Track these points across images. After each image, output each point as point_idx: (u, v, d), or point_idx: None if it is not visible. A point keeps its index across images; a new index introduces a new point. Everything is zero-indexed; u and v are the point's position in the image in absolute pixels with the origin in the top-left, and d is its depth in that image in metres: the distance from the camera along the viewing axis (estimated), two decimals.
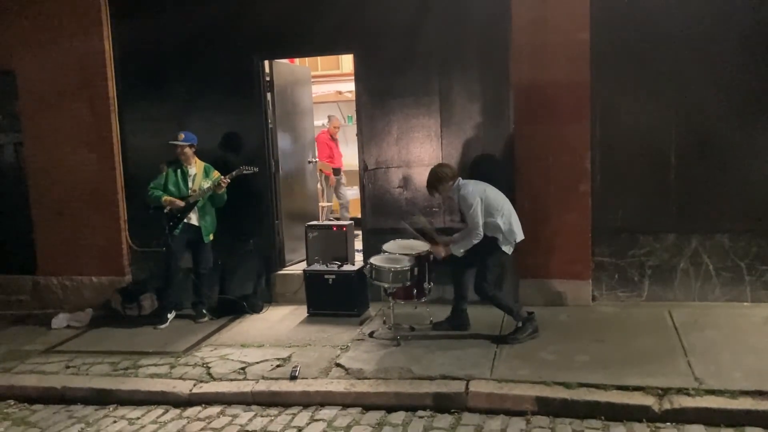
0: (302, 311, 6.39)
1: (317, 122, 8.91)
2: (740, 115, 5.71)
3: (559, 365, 4.72)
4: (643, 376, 4.41)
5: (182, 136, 6.26)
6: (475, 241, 5.20)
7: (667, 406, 4.08)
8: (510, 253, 5.38)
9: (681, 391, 4.19)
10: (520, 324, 5.30)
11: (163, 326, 6.29)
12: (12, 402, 5.12)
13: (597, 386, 4.33)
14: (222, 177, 6.22)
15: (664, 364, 4.62)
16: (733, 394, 4.10)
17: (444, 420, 4.30)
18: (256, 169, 6.30)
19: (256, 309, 6.56)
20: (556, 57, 5.91)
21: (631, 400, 4.17)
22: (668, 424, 4.00)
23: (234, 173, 6.20)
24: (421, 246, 5.56)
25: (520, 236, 5.38)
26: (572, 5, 5.84)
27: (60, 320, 6.59)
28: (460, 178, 5.38)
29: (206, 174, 6.37)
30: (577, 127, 5.93)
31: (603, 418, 4.12)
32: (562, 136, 5.96)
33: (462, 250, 5.25)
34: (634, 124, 5.94)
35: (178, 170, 6.32)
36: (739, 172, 5.75)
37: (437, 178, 5.34)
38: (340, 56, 9.22)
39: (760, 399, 4.04)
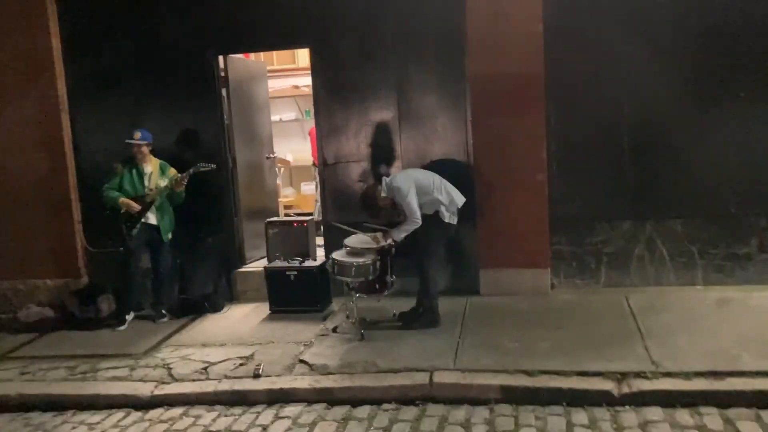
0: (264, 309, 6.34)
1: (275, 117, 8.83)
2: (692, 104, 5.86)
3: (521, 353, 4.78)
4: (602, 361, 4.51)
5: (138, 134, 6.13)
6: (415, 227, 5.26)
7: (626, 389, 4.17)
8: (455, 223, 5.44)
9: (639, 374, 4.29)
10: (421, 310, 5.46)
11: (122, 328, 6.17)
12: None
13: (558, 373, 4.41)
14: (179, 175, 6.12)
15: (622, 348, 4.72)
16: (689, 375, 4.22)
17: (409, 412, 4.32)
18: (214, 166, 6.22)
19: (217, 308, 6.49)
20: (511, 49, 5.96)
21: (592, 385, 4.25)
22: (627, 407, 4.09)
23: (191, 170, 6.10)
24: (381, 239, 5.56)
25: (460, 200, 5.49)
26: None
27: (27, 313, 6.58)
28: (384, 179, 5.43)
29: (162, 172, 6.26)
30: (532, 118, 6.00)
31: (565, 404, 4.20)
32: (518, 127, 6.02)
33: (402, 235, 5.30)
34: (589, 113, 6.04)
35: (134, 169, 6.19)
36: (690, 159, 5.89)
37: (370, 197, 5.44)
38: (296, 50, 9.13)
39: (714, 379, 4.16)
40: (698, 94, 5.84)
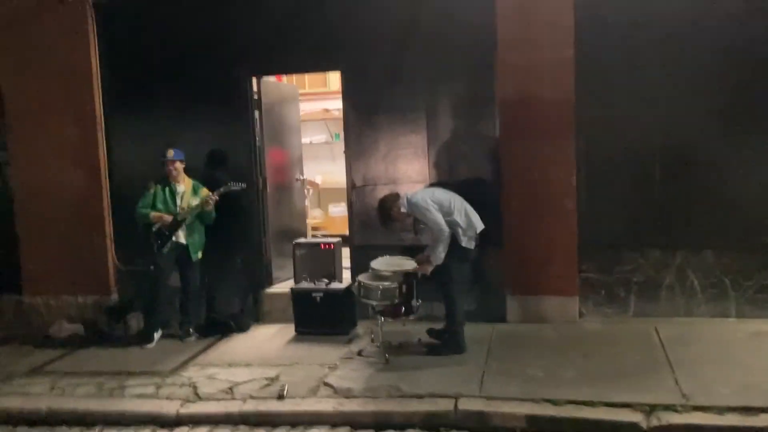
0: (290, 329, 6.36)
1: (305, 139, 8.93)
2: (726, 132, 5.78)
3: (547, 382, 4.73)
4: (630, 392, 4.43)
5: (171, 152, 6.25)
6: (445, 241, 5.23)
7: (655, 422, 4.09)
8: (473, 248, 5.39)
9: (668, 407, 4.21)
10: (447, 336, 5.42)
11: (149, 346, 6.24)
12: None
13: (585, 403, 4.34)
14: (210, 194, 6.21)
15: (651, 380, 4.64)
16: (721, 410, 4.13)
17: None
18: (244, 185, 6.30)
19: (243, 328, 6.53)
20: (542, 74, 5.96)
21: (619, 416, 4.18)
22: None
23: (222, 190, 6.19)
24: (409, 264, 5.56)
25: (480, 226, 5.45)
26: (557, 24, 5.89)
27: (59, 328, 6.66)
28: (405, 195, 5.44)
29: (195, 191, 6.35)
30: (562, 143, 5.98)
31: None
32: (548, 152, 6.00)
33: (442, 255, 5.27)
34: (620, 140, 5.99)
35: (167, 188, 6.30)
36: (723, 188, 5.80)
37: (386, 206, 5.47)
38: (327, 74, 9.26)
39: (747, 415, 4.07)
40: (733, 123, 5.76)
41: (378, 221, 5.59)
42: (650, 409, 4.20)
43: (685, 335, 5.49)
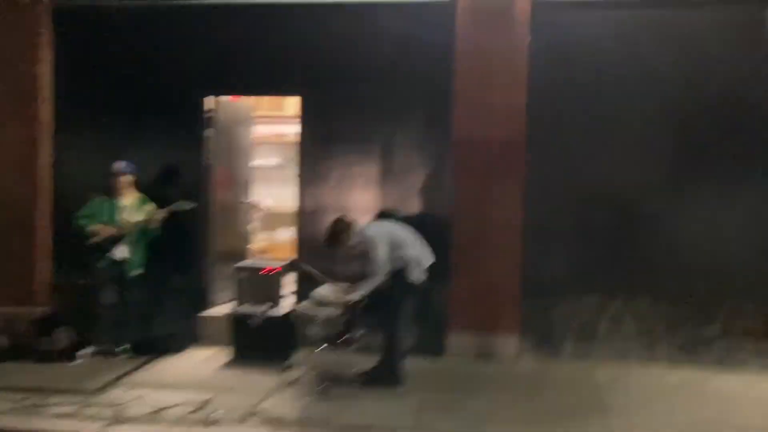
0: (227, 354, 6.20)
1: (257, 162, 8.84)
2: (666, 187, 6.00)
3: (483, 419, 4.71)
4: None
5: (122, 164, 6.12)
6: (378, 282, 5.21)
7: None
8: (422, 282, 5.38)
9: None
10: (384, 368, 5.36)
11: (77, 362, 5.98)
12: None
13: None
14: (158, 211, 6.07)
15: (583, 421, 4.68)
16: None
17: None
18: (195, 205, 6.19)
19: (178, 349, 6.34)
20: (497, 116, 6.10)
21: None
22: None
23: (171, 207, 6.07)
24: (352, 293, 5.51)
25: (429, 260, 5.45)
26: (513, 70, 6.07)
27: None
28: (361, 226, 5.44)
29: (140, 206, 6.20)
30: (512, 186, 6.10)
31: None
32: (498, 192, 6.12)
33: (367, 291, 5.25)
34: (566, 186, 6.15)
35: (110, 201, 6.13)
36: (660, 239, 6.01)
37: (336, 228, 5.41)
38: (283, 99, 9.24)
39: None
40: (675, 178, 6.00)
41: (324, 240, 5.51)
42: None
43: (618, 379, 5.57)
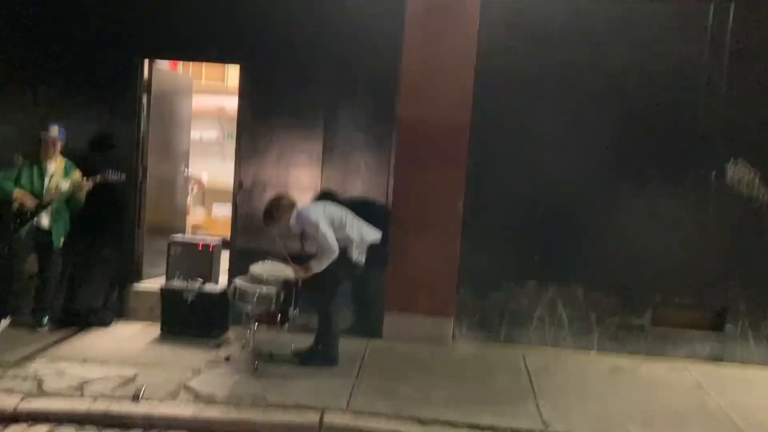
0: (156, 329, 6.00)
1: (195, 135, 8.59)
2: (603, 179, 6.10)
3: (417, 400, 4.72)
4: (495, 415, 4.50)
5: (56, 129, 5.81)
6: (332, 257, 5.13)
7: None
8: (362, 262, 5.34)
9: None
10: (319, 348, 5.34)
11: None
12: None
13: (451, 423, 4.37)
14: (84, 179, 5.78)
15: (515, 405, 4.75)
16: None
17: None
18: (123, 177, 5.92)
19: (104, 322, 6.10)
20: (442, 100, 6.06)
21: None
22: None
23: (98, 178, 5.79)
24: (289, 271, 5.41)
25: (373, 237, 5.42)
26: (459, 54, 6.03)
27: None
28: (297, 206, 5.35)
29: (66, 173, 5.89)
30: (454, 170, 6.09)
31: None
32: (439, 177, 6.09)
33: (323, 267, 5.16)
34: (507, 173, 6.17)
35: (35, 166, 5.81)
36: (596, 230, 6.11)
37: (277, 207, 5.29)
38: (225, 71, 8.99)
39: None
40: (610, 171, 6.09)
41: (263, 218, 5.38)
42: None
43: (550, 365, 5.69)
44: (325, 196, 6.06)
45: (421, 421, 4.37)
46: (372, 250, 5.44)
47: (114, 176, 5.83)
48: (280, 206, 5.31)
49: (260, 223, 6.12)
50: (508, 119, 6.14)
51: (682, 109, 6.03)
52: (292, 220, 5.28)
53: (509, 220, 6.20)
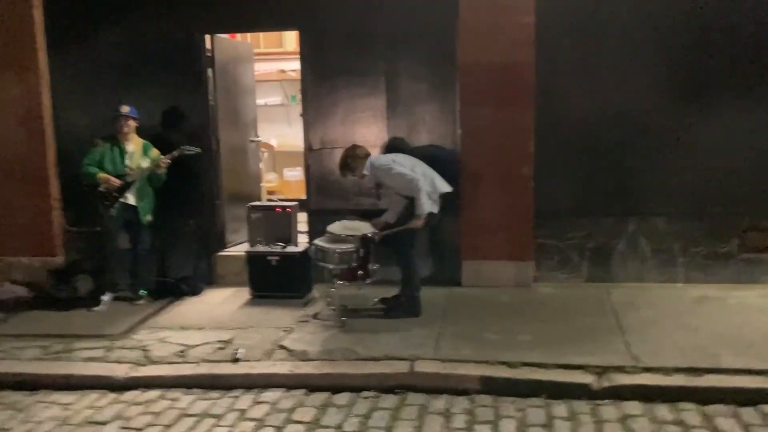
0: (244, 293, 6.27)
1: (260, 101, 8.72)
2: (680, 103, 5.87)
3: (502, 345, 4.78)
4: (583, 354, 4.51)
5: (126, 108, 6.01)
6: (422, 188, 5.14)
7: (605, 383, 4.18)
8: (436, 212, 5.35)
9: (619, 369, 4.30)
10: (402, 299, 5.44)
11: (98, 308, 6.05)
12: None
13: (539, 365, 4.41)
14: (162, 157, 6.01)
15: (602, 343, 4.74)
16: (668, 371, 4.24)
17: (389, 400, 4.29)
18: (199, 150, 6.12)
19: (195, 291, 6.41)
20: (503, 39, 5.92)
21: (572, 378, 4.26)
22: (607, 401, 4.10)
23: (175, 153, 6.00)
24: (366, 227, 5.51)
25: (445, 188, 5.42)
26: None
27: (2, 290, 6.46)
28: (369, 159, 5.40)
29: (145, 152, 6.14)
30: (521, 110, 5.98)
31: (545, 396, 4.19)
32: (506, 118, 6.00)
33: (426, 205, 5.16)
34: (577, 108, 6.03)
35: (115, 147, 6.06)
36: (675, 157, 5.91)
37: (353, 156, 5.38)
38: (282, 34, 9.01)
39: (692, 375, 4.19)
40: (686, 94, 5.86)
41: (338, 167, 5.49)
42: (601, 371, 4.28)
43: (635, 300, 5.62)
44: (394, 148, 6.07)
45: (509, 365, 4.44)
46: (445, 198, 5.47)
47: (189, 151, 6.03)
48: (355, 155, 5.39)
49: (333, 184, 6.30)
50: (573, 50, 5.96)
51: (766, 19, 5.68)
52: (366, 170, 5.35)
53: (582, 156, 6.08)
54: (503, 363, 4.46)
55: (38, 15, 6.60)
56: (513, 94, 5.99)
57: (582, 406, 4.08)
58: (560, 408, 4.07)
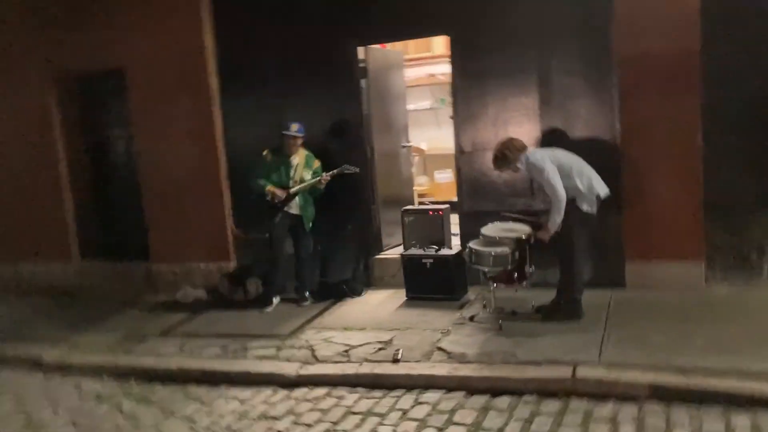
0: (401, 295, 6.42)
1: (410, 106, 8.89)
2: None
3: (672, 349, 4.51)
4: (765, 360, 4.15)
5: (296, 126, 6.35)
6: (561, 206, 5.02)
7: None
8: (594, 213, 5.17)
9: None
10: (562, 303, 5.28)
11: (268, 310, 6.49)
12: (133, 380, 5.41)
13: (715, 370, 4.12)
14: (324, 174, 6.33)
15: None
16: None
17: (551, 405, 4.21)
18: (357, 170, 6.37)
19: (356, 292, 6.66)
20: (663, 25, 5.59)
21: (755, 386, 3.93)
22: None
23: (335, 171, 6.30)
24: (521, 229, 5.43)
25: (603, 191, 5.21)
26: None
27: (184, 293, 7.11)
28: (528, 149, 5.27)
29: (307, 163, 6.48)
30: (686, 99, 5.61)
31: (722, 404, 3.91)
32: (671, 110, 5.65)
33: (558, 220, 5.07)
34: (748, 95, 5.56)
35: (281, 160, 6.44)
36: None
37: (509, 148, 5.27)
38: (431, 39, 9.14)
39: None
40: None
41: (492, 160, 5.43)
42: None
43: None
44: (552, 141, 5.92)
45: (681, 370, 4.18)
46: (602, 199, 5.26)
47: (348, 170, 6.31)
48: (512, 147, 5.30)
49: (485, 186, 6.27)
50: (744, 33, 5.49)
51: None
52: (521, 164, 5.27)
53: (756, 145, 5.59)
54: (675, 368, 4.21)
55: (209, 41, 7.20)
56: (678, 84, 5.62)
57: (766, 417, 3.75)
58: (742, 418, 3.78)
